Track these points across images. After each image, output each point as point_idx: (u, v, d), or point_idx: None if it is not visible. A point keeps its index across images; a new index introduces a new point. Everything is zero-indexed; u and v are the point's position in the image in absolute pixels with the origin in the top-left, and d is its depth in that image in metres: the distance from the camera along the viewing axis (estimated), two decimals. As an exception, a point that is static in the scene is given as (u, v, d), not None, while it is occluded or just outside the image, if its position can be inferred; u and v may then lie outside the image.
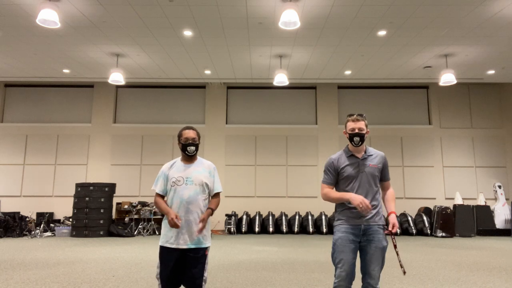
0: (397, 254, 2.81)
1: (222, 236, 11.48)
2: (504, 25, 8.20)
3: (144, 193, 12.98)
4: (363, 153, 2.93)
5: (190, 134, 3.01)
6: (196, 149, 3.02)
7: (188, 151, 3.00)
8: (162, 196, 3.04)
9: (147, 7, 7.51)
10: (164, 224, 2.97)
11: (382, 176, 2.96)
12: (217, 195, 3.09)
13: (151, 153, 13.23)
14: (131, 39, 9.03)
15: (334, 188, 2.95)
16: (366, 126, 2.92)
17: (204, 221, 2.90)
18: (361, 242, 2.80)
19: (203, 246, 2.93)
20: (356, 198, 2.70)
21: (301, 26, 8.33)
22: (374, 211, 2.82)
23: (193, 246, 2.88)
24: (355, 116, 2.91)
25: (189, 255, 2.88)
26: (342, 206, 2.88)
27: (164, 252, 2.90)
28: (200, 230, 2.89)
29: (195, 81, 12.58)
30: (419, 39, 9.01)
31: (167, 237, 2.91)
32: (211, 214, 2.99)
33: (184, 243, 2.87)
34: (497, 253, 7.78)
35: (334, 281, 2.77)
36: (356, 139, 2.86)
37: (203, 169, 3.04)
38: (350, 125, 2.90)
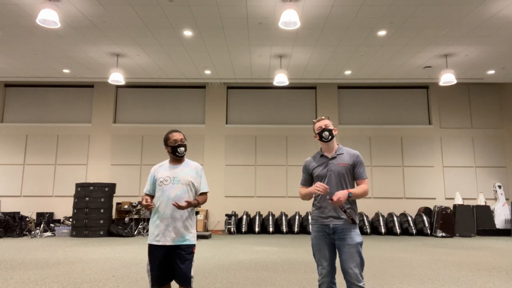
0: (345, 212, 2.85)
1: (222, 236, 11.48)
2: (504, 25, 8.20)
3: (144, 193, 12.97)
4: (333, 152, 3.01)
5: (178, 136, 3.11)
6: (185, 149, 3.12)
7: (179, 152, 3.08)
8: (151, 197, 3.14)
9: (147, 7, 7.51)
10: (151, 223, 3.05)
11: (355, 174, 2.96)
12: (204, 194, 3.17)
13: (151, 153, 13.23)
14: (131, 39, 9.03)
15: None
16: (332, 125, 3.06)
17: (189, 203, 2.92)
18: (335, 241, 2.87)
19: (190, 243, 2.99)
20: (312, 189, 2.84)
21: (301, 26, 8.32)
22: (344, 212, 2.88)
23: (179, 243, 2.94)
24: (319, 117, 3.10)
25: (177, 252, 2.94)
26: (313, 206, 3.00)
27: (152, 249, 2.97)
28: (185, 206, 2.89)
29: (195, 81, 12.59)
30: (419, 39, 9.01)
31: (153, 235, 2.98)
32: (196, 205, 3.05)
33: (171, 240, 2.94)
34: (497, 253, 7.78)
35: (318, 278, 2.91)
36: (325, 133, 2.97)
37: (190, 169, 3.12)
38: (317, 125, 3.06)
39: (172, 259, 2.95)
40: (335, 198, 2.71)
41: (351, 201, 2.92)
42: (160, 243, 2.93)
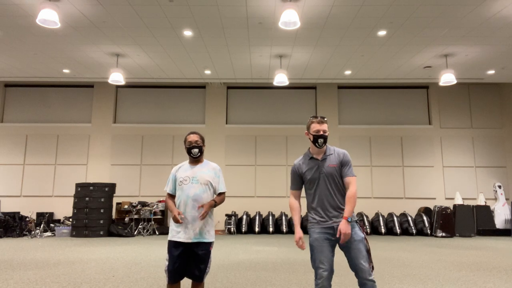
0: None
1: (222, 236, 11.48)
2: (504, 25, 8.20)
3: (144, 193, 12.98)
4: (322, 154, 2.95)
5: (193, 138, 3.25)
6: (200, 151, 3.24)
7: (193, 153, 3.23)
8: (173, 196, 3.26)
9: (147, 7, 7.51)
10: (172, 220, 3.18)
11: (343, 173, 2.92)
12: (221, 194, 3.29)
13: (151, 153, 13.23)
14: (131, 39, 9.03)
15: (299, 193, 3.05)
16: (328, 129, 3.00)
17: (205, 206, 3.07)
18: (339, 241, 2.84)
19: (208, 241, 3.13)
20: (295, 237, 2.89)
21: (301, 26, 8.32)
22: (339, 212, 2.87)
23: (197, 241, 3.08)
24: (319, 118, 2.94)
25: (195, 249, 3.07)
26: (310, 208, 2.95)
27: (171, 245, 3.11)
28: (202, 215, 3.04)
29: (195, 81, 12.58)
30: (419, 39, 9.01)
31: (174, 232, 3.11)
32: (213, 206, 3.16)
33: (189, 238, 3.07)
34: (497, 253, 7.78)
35: (316, 282, 2.78)
36: (320, 140, 2.90)
37: (209, 170, 3.25)
38: (315, 126, 2.92)
39: (190, 256, 3.08)
40: (342, 237, 2.73)
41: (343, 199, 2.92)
42: (180, 240, 3.06)
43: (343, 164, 2.92)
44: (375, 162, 13.16)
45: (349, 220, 2.76)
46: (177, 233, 3.07)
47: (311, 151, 2.99)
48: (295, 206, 2.99)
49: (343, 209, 2.86)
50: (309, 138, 2.95)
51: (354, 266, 2.80)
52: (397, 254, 7.48)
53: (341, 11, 7.65)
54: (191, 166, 3.24)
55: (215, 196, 3.25)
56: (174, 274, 3.04)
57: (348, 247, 2.81)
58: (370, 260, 2.84)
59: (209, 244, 3.12)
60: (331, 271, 2.79)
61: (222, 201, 3.26)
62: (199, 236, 3.07)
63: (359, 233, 2.82)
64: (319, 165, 2.92)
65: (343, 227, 2.72)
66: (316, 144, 2.91)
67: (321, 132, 2.89)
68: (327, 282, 2.76)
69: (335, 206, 2.86)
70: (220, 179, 3.28)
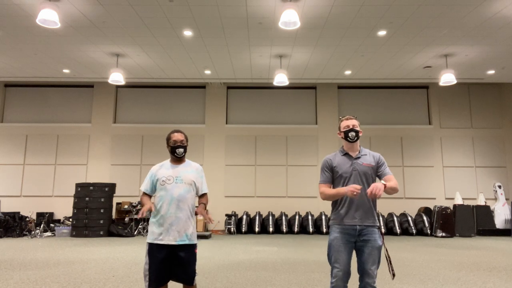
0: (388, 260, 2.86)
1: (222, 236, 11.48)
2: (504, 25, 8.20)
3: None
4: (357, 152, 2.98)
5: (178, 137, 3.12)
6: (185, 151, 3.13)
7: (177, 153, 3.11)
8: (149, 196, 3.17)
9: (147, 7, 7.51)
10: (152, 222, 3.03)
11: (382, 173, 2.94)
12: (204, 195, 3.21)
13: (151, 153, 13.23)
14: (131, 39, 9.03)
15: (332, 187, 2.97)
16: (359, 126, 3.02)
17: (201, 213, 3.01)
18: (357, 242, 2.83)
19: (193, 242, 3.02)
20: (348, 190, 2.69)
21: (301, 26, 8.32)
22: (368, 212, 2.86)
23: (182, 243, 2.95)
24: (347, 116, 3.03)
25: (180, 251, 2.93)
26: (337, 206, 2.91)
27: (153, 249, 2.94)
28: (206, 217, 2.97)
29: (195, 81, 12.58)
30: (419, 39, 9.01)
31: (155, 235, 2.96)
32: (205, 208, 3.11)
33: (174, 240, 2.93)
34: (497, 253, 7.78)
35: (331, 280, 2.80)
36: (352, 134, 2.94)
37: (192, 170, 3.15)
38: (344, 123, 3.00)
39: (174, 259, 2.94)
40: (374, 190, 2.61)
41: (374, 201, 2.90)
42: (162, 242, 2.91)
43: (380, 165, 2.96)
44: (375, 162, 13.15)
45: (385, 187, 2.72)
46: (159, 235, 2.93)
47: (344, 148, 3.01)
48: (328, 188, 2.92)
49: (371, 213, 2.84)
50: (341, 137, 3.00)
51: (362, 269, 2.79)
52: (397, 254, 7.48)
53: (341, 11, 7.65)
54: (173, 165, 3.13)
55: (198, 197, 3.17)
56: (158, 279, 2.88)
57: (363, 251, 2.80)
58: (391, 268, 2.85)
59: (194, 246, 3.01)
60: (345, 273, 2.77)
61: (207, 201, 3.20)
62: (184, 238, 2.95)
63: (379, 241, 2.82)
64: (353, 162, 2.93)
65: (379, 184, 2.66)
66: (348, 138, 2.95)
67: (351, 126, 2.95)
68: (342, 283, 2.75)
69: (363, 205, 2.83)
70: (203, 179, 3.19)
